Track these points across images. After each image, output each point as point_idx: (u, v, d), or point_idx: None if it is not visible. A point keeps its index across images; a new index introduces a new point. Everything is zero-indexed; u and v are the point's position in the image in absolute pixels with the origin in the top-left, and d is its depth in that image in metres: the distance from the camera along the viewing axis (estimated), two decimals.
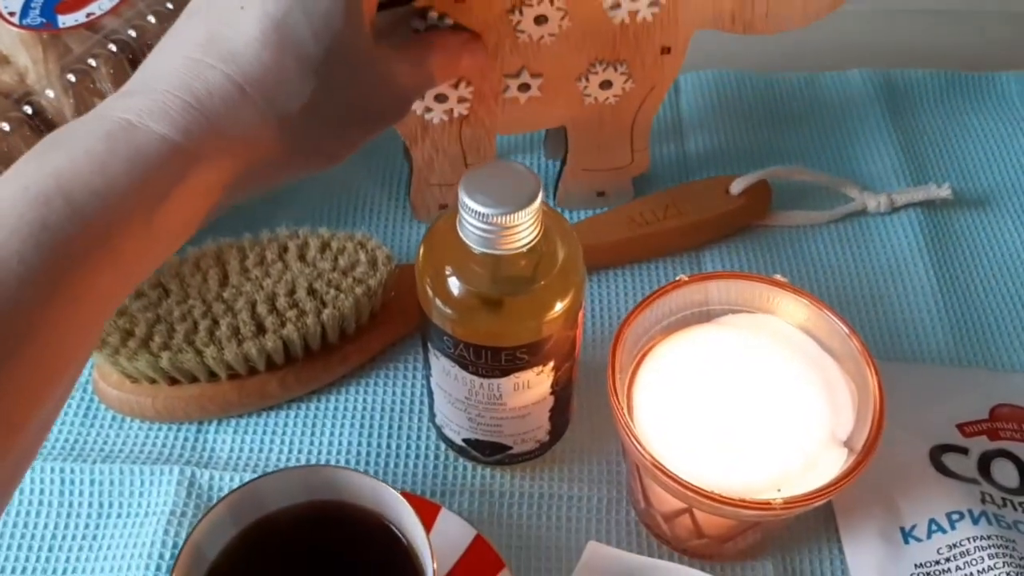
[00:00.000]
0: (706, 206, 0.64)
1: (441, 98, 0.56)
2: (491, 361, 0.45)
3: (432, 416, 0.54)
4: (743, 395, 0.46)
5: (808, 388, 0.46)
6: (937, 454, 0.53)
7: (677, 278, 0.48)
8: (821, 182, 0.66)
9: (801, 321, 0.48)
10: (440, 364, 0.48)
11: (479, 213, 0.41)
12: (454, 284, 0.44)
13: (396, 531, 0.44)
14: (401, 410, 0.57)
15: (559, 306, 0.45)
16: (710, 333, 0.49)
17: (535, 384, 0.47)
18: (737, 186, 0.64)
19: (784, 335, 0.48)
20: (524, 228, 0.42)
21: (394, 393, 0.57)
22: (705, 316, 0.49)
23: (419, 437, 0.55)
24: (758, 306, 0.49)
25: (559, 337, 0.46)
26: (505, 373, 0.46)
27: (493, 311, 0.44)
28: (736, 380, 0.47)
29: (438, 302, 0.45)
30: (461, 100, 0.56)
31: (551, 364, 0.47)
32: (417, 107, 0.57)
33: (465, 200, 0.41)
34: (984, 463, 0.53)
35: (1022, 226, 0.66)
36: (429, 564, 0.41)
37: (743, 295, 0.49)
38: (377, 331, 0.58)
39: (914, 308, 0.62)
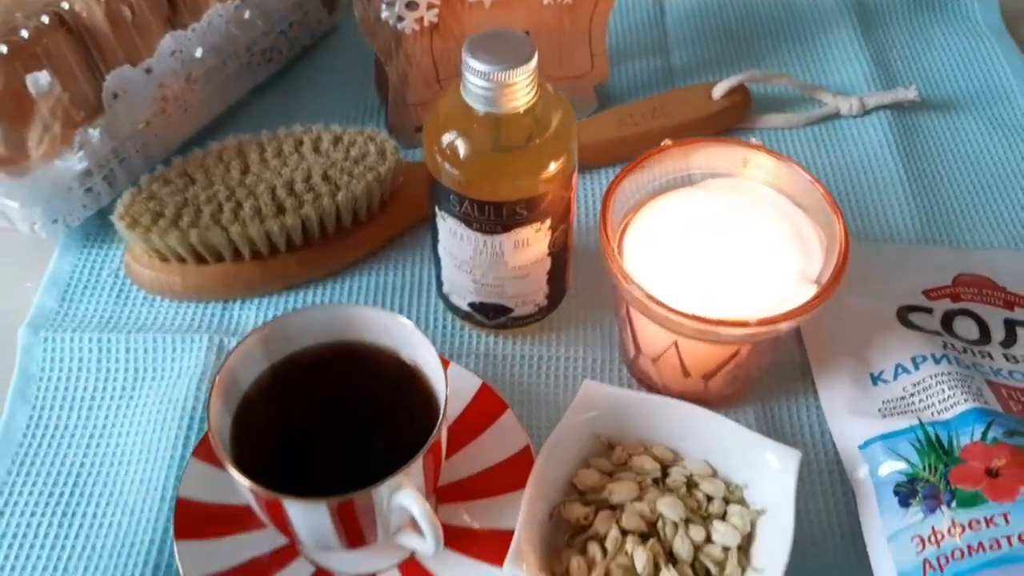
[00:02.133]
0: (690, 109, 0.68)
1: (412, 6, 0.60)
2: (493, 217, 0.50)
3: (439, 287, 0.58)
4: (722, 246, 0.51)
5: (780, 237, 0.51)
6: (904, 313, 0.58)
7: (662, 143, 0.53)
8: (796, 86, 0.71)
9: (774, 180, 0.53)
10: (447, 226, 0.52)
11: (481, 72, 0.46)
12: (460, 145, 0.49)
13: (410, 364, 0.48)
14: (411, 290, 0.61)
15: (553, 166, 0.49)
16: (692, 195, 0.53)
17: (533, 242, 0.52)
18: (719, 90, 0.68)
19: (759, 194, 0.53)
20: (522, 86, 0.47)
21: (403, 276, 0.62)
22: (688, 181, 0.54)
23: (428, 311, 0.60)
24: (735, 170, 0.53)
25: (554, 196, 0.50)
26: (506, 229, 0.51)
27: (495, 169, 0.49)
28: (715, 234, 0.51)
29: (446, 164, 0.49)
30: (430, 6, 0.61)
31: (548, 223, 0.51)
32: (389, 17, 0.61)
33: (468, 61, 0.46)
34: (947, 320, 0.58)
35: (983, 125, 0.71)
36: (442, 389, 0.45)
37: (722, 160, 0.53)
38: (388, 218, 0.63)
39: (885, 198, 0.67)
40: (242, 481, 0.42)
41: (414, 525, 0.46)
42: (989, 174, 0.68)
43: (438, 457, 0.46)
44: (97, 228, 0.63)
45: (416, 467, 0.43)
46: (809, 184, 0.51)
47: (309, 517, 0.43)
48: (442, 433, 0.45)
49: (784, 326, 0.47)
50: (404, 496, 0.43)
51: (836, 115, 0.71)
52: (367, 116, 0.72)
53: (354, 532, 0.45)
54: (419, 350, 0.47)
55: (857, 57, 0.76)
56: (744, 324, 0.46)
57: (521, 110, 0.48)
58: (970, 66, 0.76)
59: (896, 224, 0.65)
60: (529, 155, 0.49)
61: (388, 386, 0.49)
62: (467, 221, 0.51)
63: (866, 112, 0.71)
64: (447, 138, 0.49)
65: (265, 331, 0.47)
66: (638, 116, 0.68)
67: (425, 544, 0.45)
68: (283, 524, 0.44)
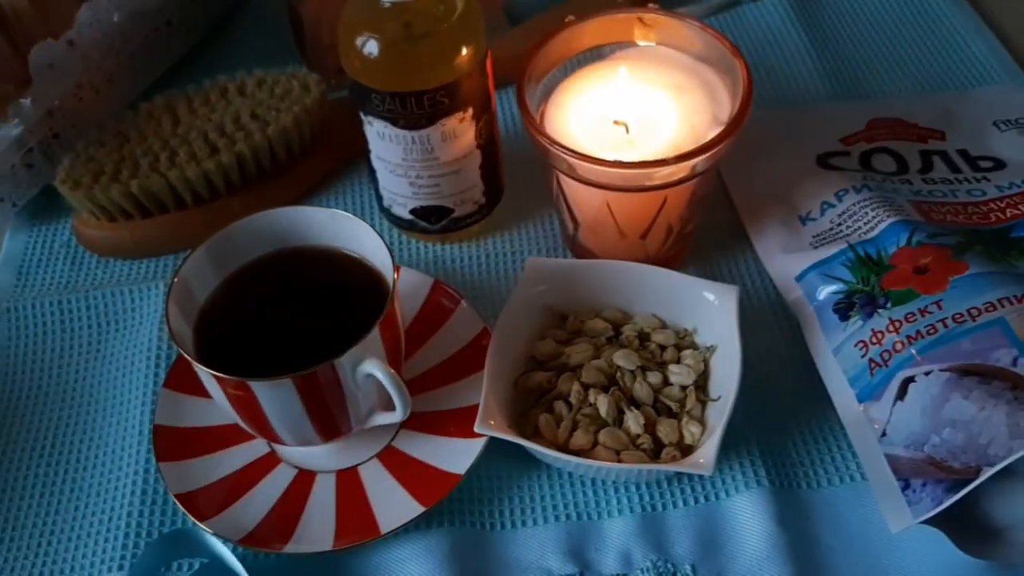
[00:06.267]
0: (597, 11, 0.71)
1: None
2: (416, 109, 0.52)
3: (379, 200, 0.60)
4: (635, 106, 0.53)
5: (689, 89, 0.53)
6: (824, 159, 0.61)
7: (566, 19, 0.55)
8: None
9: (674, 40, 0.55)
10: (375, 130, 0.54)
11: None
12: (374, 41, 0.51)
13: (356, 256, 0.50)
14: (356, 214, 0.63)
15: (465, 50, 0.52)
16: (600, 67, 0.56)
17: (460, 132, 0.54)
18: None
19: (663, 56, 0.55)
20: None
21: (346, 204, 0.64)
22: (595, 56, 0.56)
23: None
24: (630, 37, 0.56)
25: (472, 83, 0.53)
26: (431, 121, 0.53)
27: (411, 58, 0.51)
28: (627, 96, 0.54)
29: (361, 63, 0.51)
30: None
31: (471, 111, 0.54)
32: None
33: None
34: (865, 159, 0.61)
35: None
36: (389, 268, 0.47)
37: (615, 29, 0.55)
38: (321, 154, 0.65)
39: (794, 68, 0.70)
40: (209, 372, 0.43)
41: (383, 404, 0.48)
42: (890, 30, 0.72)
43: (395, 332, 0.47)
44: (44, 205, 0.65)
45: (373, 339, 0.45)
46: (704, 34, 0.53)
47: (278, 401, 0.44)
48: (395, 307, 0.47)
49: (700, 161, 0.49)
50: (368, 365, 0.44)
51: (736, 2, 0.74)
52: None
53: (326, 417, 0.47)
54: (362, 240, 0.49)
55: None
56: (662, 162, 0.48)
57: None
58: None
59: (808, 91, 0.68)
60: (440, 40, 0.51)
61: (338, 282, 0.50)
62: (392, 119, 0.53)
63: None
64: (361, 38, 0.51)
65: (210, 242, 0.49)
66: (547, 28, 0.70)
67: (395, 411, 0.46)
68: (256, 418, 0.46)
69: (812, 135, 0.63)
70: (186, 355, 0.44)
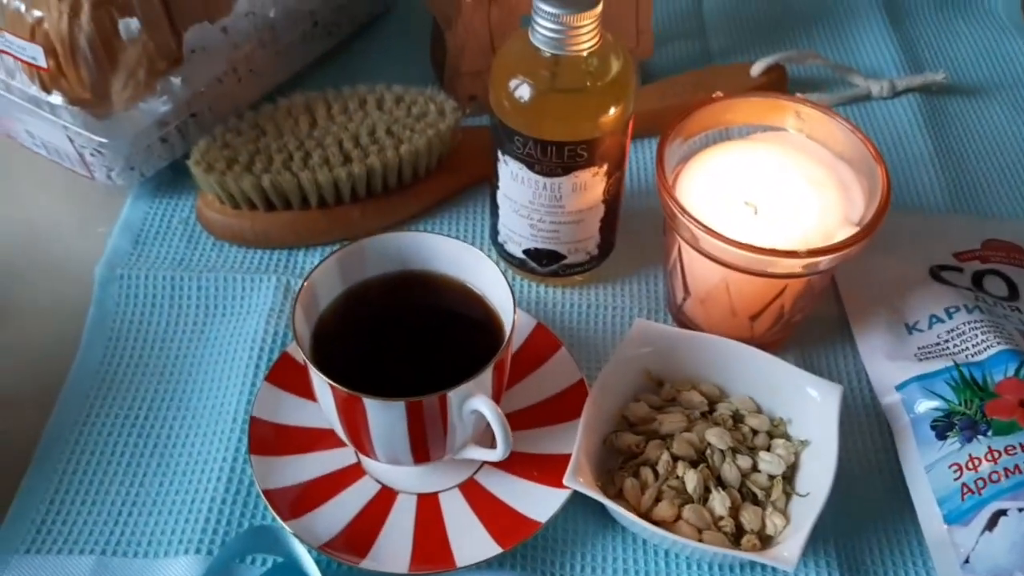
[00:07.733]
0: (730, 84, 0.72)
1: None
2: (555, 158, 0.53)
3: (495, 236, 0.61)
4: (769, 192, 0.54)
5: (824, 184, 0.54)
6: (936, 271, 0.61)
7: (714, 95, 0.56)
8: (829, 67, 0.74)
9: (817, 133, 0.56)
10: (509, 169, 0.55)
11: (551, 14, 0.49)
12: (526, 87, 0.52)
13: (478, 292, 0.51)
14: (467, 241, 0.64)
15: (613, 110, 0.53)
16: (739, 146, 0.57)
17: (591, 186, 0.55)
18: (757, 68, 0.72)
19: (804, 146, 0.56)
20: (587, 30, 0.50)
21: (457, 230, 0.65)
22: (735, 135, 0.57)
23: None
24: (781, 123, 0.57)
25: (612, 141, 0.54)
26: (566, 171, 0.54)
27: (558, 109, 0.52)
28: (762, 181, 0.54)
29: (510, 104, 0.52)
30: None
31: (605, 167, 0.55)
32: None
33: (540, 5, 0.49)
34: (977, 278, 0.61)
35: (1007, 110, 0.75)
36: (509, 312, 0.48)
37: (769, 113, 0.56)
38: (444, 176, 0.66)
39: (915, 173, 0.70)
40: (326, 380, 0.45)
41: (479, 439, 0.49)
42: (1014, 153, 0.72)
43: (503, 374, 0.48)
44: (168, 180, 0.66)
45: (486, 378, 0.46)
46: (852, 135, 0.54)
47: (385, 419, 0.45)
48: (508, 353, 0.48)
49: (829, 259, 0.50)
50: (477, 401, 0.45)
51: (867, 96, 0.75)
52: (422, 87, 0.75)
53: (424, 443, 0.47)
54: (487, 278, 0.50)
55: (886, 46, 0.79)
56: (794, 254, 0.49)
57: (585, 53, 0.51)
58: (993, 57, 0.79)
59: (926, 196, 0.68)
60: (590, 97, 0.52)
61: (456, 313, 0.52)
62: (529, 163, 0.54)
63: (896, 94, 0.75)
64: (515, 81, 0.52)
65: (342, 253, 0.50)
66: (680, 89, 0.71)
67: (496, 449, 0.47)
68: (359, 431, 0.47)
69: (927, 243, 0.63)
70: (307, 361, 0.45)
